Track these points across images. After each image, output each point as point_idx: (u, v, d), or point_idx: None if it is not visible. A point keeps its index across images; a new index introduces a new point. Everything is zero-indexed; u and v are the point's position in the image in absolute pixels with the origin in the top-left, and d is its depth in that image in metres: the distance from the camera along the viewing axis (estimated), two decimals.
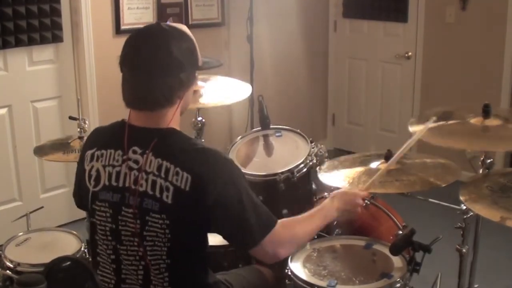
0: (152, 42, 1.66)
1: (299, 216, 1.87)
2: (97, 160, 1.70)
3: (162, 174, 1.61)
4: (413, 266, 1.91)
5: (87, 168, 1.72)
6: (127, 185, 1.65)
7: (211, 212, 1.62)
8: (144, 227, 1.64)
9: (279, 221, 1.74)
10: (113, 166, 1.67)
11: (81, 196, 1.79)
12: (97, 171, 1.69)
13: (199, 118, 2.70)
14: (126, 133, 1.68)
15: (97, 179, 1.69)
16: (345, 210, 1.95)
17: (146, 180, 1.62)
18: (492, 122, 2.09)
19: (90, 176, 1.70)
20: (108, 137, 1.74)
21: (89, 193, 1.70)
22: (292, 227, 1.79)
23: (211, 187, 1.60)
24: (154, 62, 1.63)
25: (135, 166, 1.65)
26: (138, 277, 1.69)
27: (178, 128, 1.72)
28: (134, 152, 1.65)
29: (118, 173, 1.67)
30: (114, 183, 1.67)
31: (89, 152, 1.73)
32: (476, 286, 2.30)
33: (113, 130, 1.76)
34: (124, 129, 1.69)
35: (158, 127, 1.67)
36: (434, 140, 2.02)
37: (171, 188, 1.60)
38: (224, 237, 1.72)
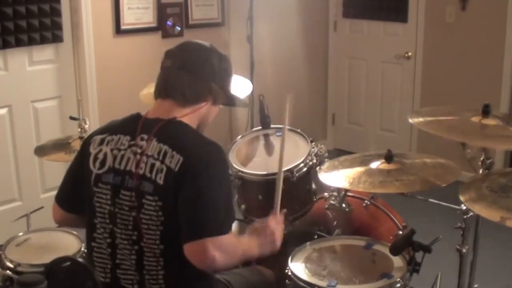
0: (199, 48, 1.85)
1: (244, 238, 1.83)
2: (106, 144, 1.76)
3: (160, 157, 1.67)
4: (413, 266, 1.91)
5: (93, 151, 1.77)
6: (128, 168, 1.70)
7: (182, 196, 1.63)
8: (140, 209, 1.67)
9: (232, 232, 1.70)
10: (119, 150, 1.74)
11: (72, 196, 1.86)
12: (105, 154, 1.75)
13: None
14: (140, 122, 1.75)
15: (103, 162, 1.74)
16: (266, 250, 1.85)
17: (146, 164, 1.68)
18: (491, 121, 2.09)
19: (96, 159, 1.76)
20: (119, 125, 1.82)
21: (91, 176, 1.75)
22: (237, 244, 1.74)
23: (196, 173, 1.63)
24: (192, 61, 1.80)
25: (139, 151, 1.70)
26: (131, 261, 1.71)
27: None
28: (142, 139, 1.72)
29: (122, 157, 1.73)
30: (117, 166, 1.72)
31: (98, 137, 1.79)
32: (476, 286, 2.30)
33: (126, 119, 1.83)
34: (138, 119, 1.77)
35: (170, 117, 1.74)
36: (433, 130, 2.02)
37: (164, 169, 1.65)
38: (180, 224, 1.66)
